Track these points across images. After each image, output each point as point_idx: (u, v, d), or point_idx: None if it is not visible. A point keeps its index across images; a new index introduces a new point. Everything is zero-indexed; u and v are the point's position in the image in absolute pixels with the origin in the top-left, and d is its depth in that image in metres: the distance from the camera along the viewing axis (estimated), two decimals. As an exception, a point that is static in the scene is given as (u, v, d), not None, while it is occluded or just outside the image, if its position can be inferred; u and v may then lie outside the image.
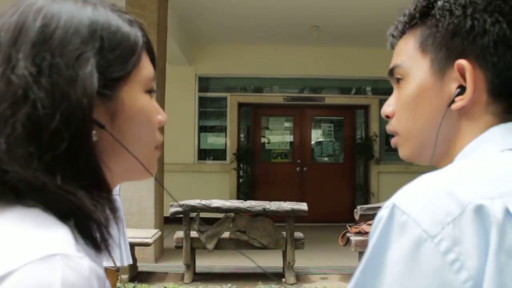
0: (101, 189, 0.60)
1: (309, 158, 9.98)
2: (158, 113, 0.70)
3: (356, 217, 5.39)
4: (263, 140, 10.06)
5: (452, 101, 0.66)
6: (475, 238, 0.51)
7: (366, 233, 5.55)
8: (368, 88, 9.94)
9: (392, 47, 0.78)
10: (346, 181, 9.88)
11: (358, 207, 5.43)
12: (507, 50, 0.63)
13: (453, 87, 0.66)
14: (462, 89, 0.65)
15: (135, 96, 0.65)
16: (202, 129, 9.79)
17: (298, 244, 5.53)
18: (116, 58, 0.62)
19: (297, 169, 9.85)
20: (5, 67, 0.57)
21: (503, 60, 0.64)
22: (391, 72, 0.75)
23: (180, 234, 5.51)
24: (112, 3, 0.68)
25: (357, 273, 0.56)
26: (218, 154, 9.78)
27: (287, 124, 10.22)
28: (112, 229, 0.62)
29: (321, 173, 9.85)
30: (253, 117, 10.01)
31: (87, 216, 0.58)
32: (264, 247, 5.45)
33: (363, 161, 9.88)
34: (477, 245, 0.51)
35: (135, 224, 5.84)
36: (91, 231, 0.59)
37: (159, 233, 5.84)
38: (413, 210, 0.54)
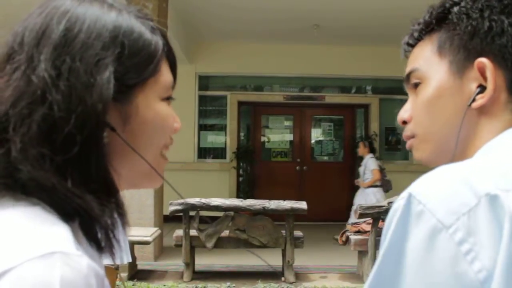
0: (109, 194, 0.60)
1: (309, 157, 9.99)
2: (173, 120, 0.71)
3: (356, 216, 5.40)
4: (263, 139, 10.07)
5: (473, 100, 0.67)
6: (489, 230, 0.52)
7: (366, 232, 5.56)
8: (369, 87, 9.94)
9: (406, 56, 0.80)
10: (345, 180, 9.85)
11: (357, 205, 5.44)
12: None
13: (473, 86, 0.67)
14: (482, 89, 0.67)
15: (151, 103, 0.66)
16: (202, 127, 9.81)
17: (297, 243, 5.54)
18: (134, 65, 0.63)
19: (297, 168, 9.87)
20: (26, 66, 0.58)
21: None
22: (408, 77, 0.77)
23: (179, 232, 5.51)
24: (139, 9, 0.68)
25: (377, 262, 0.57)
26: (218, 152, 9.79)
27: (287, 123, 10.24)
28: (118, 232, 0.62)
29: (321, 172, 9.86)
30: (253, 115, 10.01)
31: (93, 220, 0.58)
32: (263, 246, 5.46)
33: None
34: (491, 236, 0.51)
35: (134, 222, 5.83)
36: (96, 233, 0.59)
37: (159, 231, 5.84)
38: (429, 200, 0.55)
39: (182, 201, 5.31)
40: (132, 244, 5.12)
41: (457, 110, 0.69)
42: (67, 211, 0.56)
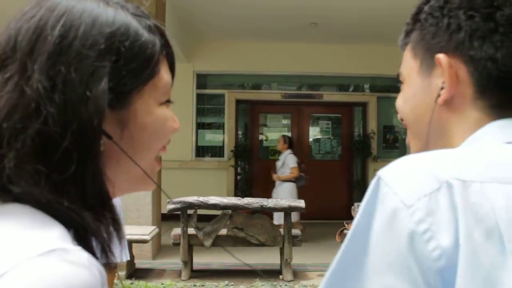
0: (104, 207, 0.59)
1: (307, 155, 9.96)
2: (173, 122, 0.69)
3: (354, 214, 5.40)
4: (260, 137, 10.07)
5: (438, 96, 0.69)
6: (447, 214, 0.54)
7: (364, 230, 5.56)
8: (366, 86, 9.95)
9: None
10: (343, 178, 9.90)
11: (355, 204, 5.43)
12: (483, 42, 0.66)
13: (439, 82, 0.69)
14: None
15: (150, 107, 0.64)
16: (200, 126, 9.79)
17: (295, 241, 5.54)
18: (130, 71, 0.61)
19: (295, 166, 9.84)
20: (20, 77, 0.56)
21: (479, 52, 0.66)
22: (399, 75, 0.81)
23: (177, 231, 5.52)
24: (136, 6, 0.66)
25: (345, 242, 0.58)
26: (216, 151, 9.79)
27: (285, 121, 10.24)
28: (114, 246, 0.61)
29: (319, 170, 9.77)
30: (251, 114, 10.01)
31: (88, 234, 0.57)
32: (261, 244, 5.47)
33: (361, 158, 9.90)
34: (449, 221, 0.53)
35: (132, 221, 5.84)
36: (91, 246, 0.58)
37: (157, 230, 5.84)
38: (394, 182, 0.57)
39: (180, 199, 5.32)
40: (130, 242, 5.13)
41: (428, 107, 0.71)
42: (62, 222, 0.55)
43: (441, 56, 0.68)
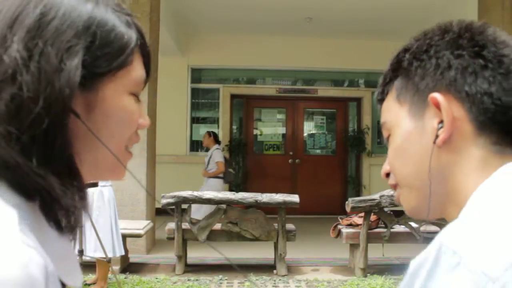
0: (72, 177, 0.61)
1: (302, 150, 10.01)
2: (139, 116, 0.71)
3: (348, 209, 5.43)
4: (255, 132, 10.08)
5: (437, 137, 0.67)
6: None
7: (358, 225, 5.59)
8: (361, 81, 9.97)
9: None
10: (338, 173, 9.92)
11: (350, 199, 5.46)
12: (476, 78, 0.66)
13: (434, 123, 0.67)
14: (443, 123, 0.67)
15: (118, 95, 0.66)
16: (195, 120, 9.80)
17: (289, 236, 5.55)
18: (104, 54, 0.63)
19: (290, 161, 9.90)
20: None
21: (474, 87, 0.65)
22: (381, 129, 0.79)
23: (171, 225, 5.51)
24: (117, 3, 0.69)
25: None
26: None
27: (279, 116, 10.24)
28: (80, 216, 0.63)
29: (313, 165, 9.89)
30: (246, 108, 10.00)
31: (54, 201, 0.59)
32: (255, 239, 5.48)
33: (355, 153, 9.94)
34: None
35: (126, 215, 5.85)
36: (56, 214, 0.60)
37: (151, 224, 5.85)
38: (468, 251, 0.51)
39: (174, 194, 5.32)
40: (124, 237, 5.13)
41: (425, 151, 0.68)
42: (28, 191, 0.57)
43: (436, 95, 0.66)
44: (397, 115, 0.73)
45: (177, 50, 8.68)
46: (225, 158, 7.79)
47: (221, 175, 7.69)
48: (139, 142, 0.73)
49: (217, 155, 7.69)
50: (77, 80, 0.60)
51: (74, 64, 0.60)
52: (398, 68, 0.74)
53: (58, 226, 0.61)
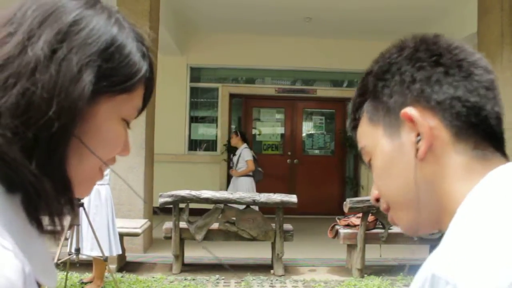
0: (65, 188, 0.62)
1: (300, 150, 10.01)
2: (123, 143, 0.71)
3: (346, 209, 5.42)
4: (254, 131, 10.06)
5: (417, 150, 0.67)
6: None
7: (355, 225, 5.59)
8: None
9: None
10: (336, 174, 9.92)
11: (348, 200, 5.46)
12: (441, 85, 0.67)
13: (412, 137, 0.68)
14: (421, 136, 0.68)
15: (111, 117, 0.66)
16: (193, 119, 9.78)
17: (287, 236, 5.55)
18: (112, 75, 0.64)
19: (288, 161, 9.90)
20: (26, 38, 0.59)
21: (442, 94, 0.67)
22: (363, 159, 0.79)
23: (169, 224, 5.50)
24: (139, 32, 0.71)
25: None
26: (208, 145, 9.79)
27: (278, 116, 10.24)
28: (65, 220, 0.63)
29: (312, 166, 9.88)
30: (245, 108, 10.00)
31: (41, 201, 0.59)
32: (253, 239, 5.47)
33: (354, 154, 9.92)
34: None
35: (124, 214, 5.83)
36: (38, 213, 0.60)
37: (148, 223, 5.84)
38: (461, 279, 0.50)
39: (172, 193, 5.32)
40: (122, 236, 5.12)
41: (408, 167, 0.68)
42: (12, 182, 0.57)
43: (407, 110, 0.67)
44: (373, 138, 0.73)
45: (176, 49, 8.66)
46: (254, 156, 7.75)
47: (250, 173, 7.66)
48: (126, 155, 0.73)
49: (246, 154, 7.67)
50: (88, 95, 0.60)
51: (89, 79, 0.61)
52: (365, 92, 0.75)
53: (39, 226, 0.60)
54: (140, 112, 0.72)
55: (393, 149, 0.70)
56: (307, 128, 10.29)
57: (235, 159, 7.80)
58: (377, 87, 0.72)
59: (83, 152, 0.64)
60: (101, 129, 0.65)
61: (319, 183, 9.72)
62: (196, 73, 9.75)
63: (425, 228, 0.71)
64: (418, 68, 0.69)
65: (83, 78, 0.60)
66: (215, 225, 5.48)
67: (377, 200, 0.77)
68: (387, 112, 0.70)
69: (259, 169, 7.74)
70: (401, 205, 0.71)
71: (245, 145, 7.79)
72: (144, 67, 0.68)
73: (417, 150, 0.67)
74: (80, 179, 0.66)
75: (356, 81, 9.92)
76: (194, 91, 9.76)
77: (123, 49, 0.66)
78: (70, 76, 0.59)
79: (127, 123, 0.70)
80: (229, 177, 9.50)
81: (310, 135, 10.28)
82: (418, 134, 0.67)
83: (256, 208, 5.88)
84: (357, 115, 0.77)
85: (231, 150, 9.42)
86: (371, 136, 0.73)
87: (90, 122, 0.64)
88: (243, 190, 7.05)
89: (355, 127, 0.78)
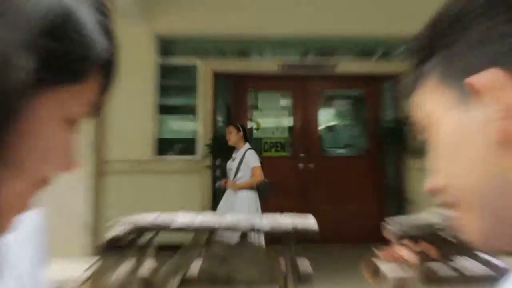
0: None
1: (317, 150, 10.02)
2: (67, 153, 0.73)
3: (386, 234, 5.10)
4: (250, 125, 10.06)
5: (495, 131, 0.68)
6: None
7: (404, 260, 5.24)
8: (399, 51, 9.99)
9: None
10: (370, 181, 9.92)
11: (390, 219, 5.16)
12: None
13: (490, 112, 0.70)
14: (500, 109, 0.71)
15: (49, 116, 0.68)
16: (163, 110, 9.80)
17: (303, 278, 5.33)
18: (57, 59, 0.66)
19: (300, 165, 9.90)
20: None
21: None
22: (416, 129, 0.85)
23: (123, 270, 5.25)
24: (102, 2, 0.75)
25: None
26: (184, 146, 9.80)
27: (283, 103, 10.31)
28: None
29: (334, 172, 9.90)
30: (235, 92, 10.06)
31: None
32: (252, 283, 5.29)
33: (395, 153, 9.89)
34: None
35: (59, 251, 5.53)
36: None
37: (93, 267, 5.54)
38: None
39: (130, 219, 5.20)
40: None
41: (483, 154, 0.70)
42: None
43: (489, 74, 0.69)
44: (443, 104, 0.77)
45: (137, 13, 8.73)
46: (261, 163, 7.43)
47: (255, 185, 7.33)
48: (69, 171, 0.74)
49: (252, 158, 7.35)
50: (27, 86, 0.63)
51: (27, 65, 0.63)
52: (435, 43, 0.78)
53: None
54: (96, 109, 0.75)
55: (468, 124, 0.72)
56: (325, 118, 10.35)
57: (233, 164, 7.55)
58: (453, 37, 0.75)
59: (1, 170, 0.66)
60: (34, 135, 0.67)
61: (346, 196, 9.74)
62: (166, 46, 9.82)
63: (502, 241, 0.72)
64: (498, 21, 0.71)
65: (19, 64, 0.63)
66: (195, 267, 5.27)
67: (433, 191, 0.79)
68: (463, 72, 0.73)
69: (266, 180, 7.39)
70: (471, 203, 0.74)
71: (247, 144, 7.60)
72: (103, 46, 0.72)
73: (497, 129, 0.68)
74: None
75: (393, 50, 10.09)
76: (163, 71, 9.77)
77: (76, 22, 0.68)
78: (0, 62, 0.62)
79: (73, 125, 0.73)
80: (215, 191, 9.55)
81: (330, 128, 10.36)
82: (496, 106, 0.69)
83: (258, 237, 5.79)
84: (420, 74, 0.81)
85: (216, 152, 9.48)
86: (436, 104, 0.78)
87: (21, 130, 0.66)
88: (244, 209, 6.88)
89: (413, 88, 0.83)
